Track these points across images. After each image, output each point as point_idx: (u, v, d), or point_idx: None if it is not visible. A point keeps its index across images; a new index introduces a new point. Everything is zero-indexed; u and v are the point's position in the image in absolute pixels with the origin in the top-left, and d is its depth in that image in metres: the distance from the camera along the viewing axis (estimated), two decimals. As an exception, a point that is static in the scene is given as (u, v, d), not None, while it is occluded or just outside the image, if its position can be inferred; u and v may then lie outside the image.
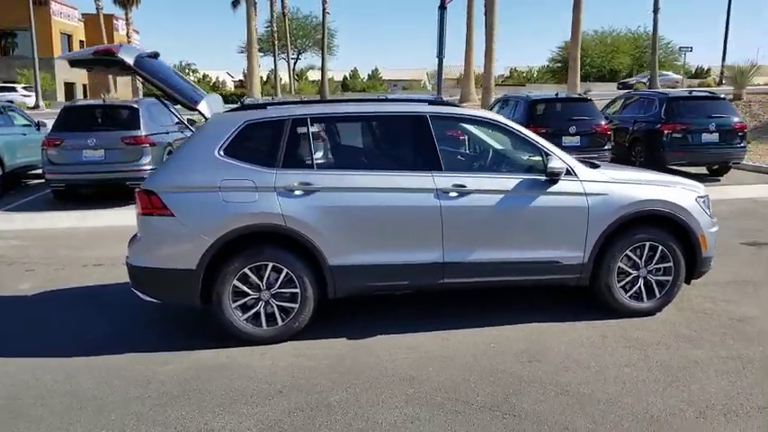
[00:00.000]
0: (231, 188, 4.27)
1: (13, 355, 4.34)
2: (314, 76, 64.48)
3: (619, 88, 36.64)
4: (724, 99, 12.09)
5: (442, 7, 16.99)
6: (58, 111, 10.74)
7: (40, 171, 11.32)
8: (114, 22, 47.09)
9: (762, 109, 18.12)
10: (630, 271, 4.72)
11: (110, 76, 35.43)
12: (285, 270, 4.33)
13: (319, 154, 4.66)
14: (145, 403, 3.61)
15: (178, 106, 5.04)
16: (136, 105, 10.37)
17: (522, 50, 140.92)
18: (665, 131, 11.22)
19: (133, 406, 3.58)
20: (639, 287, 4.75)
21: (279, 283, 4.34)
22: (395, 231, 4.41)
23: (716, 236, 4.91)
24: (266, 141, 4.47)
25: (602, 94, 26.42)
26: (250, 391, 3.72)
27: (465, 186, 4.45)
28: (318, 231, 4.28)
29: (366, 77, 70.78)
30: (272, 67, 49.03)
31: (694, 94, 12.57)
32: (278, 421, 3.38)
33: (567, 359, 4.07)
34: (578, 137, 11.00)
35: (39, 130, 12.46)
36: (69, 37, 45.69)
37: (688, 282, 4.88)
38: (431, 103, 4.87)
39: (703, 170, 11.90)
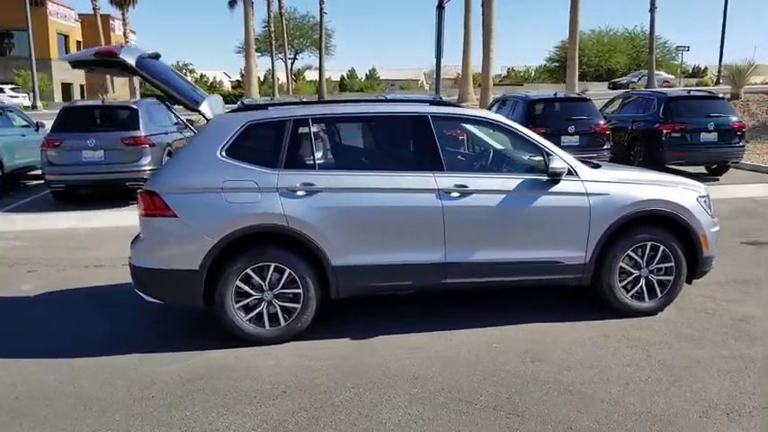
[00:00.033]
0: (233, 189, 4.27)
1: (17, 355, 4.34)
2: (311, 76, 64.50)
3: (610, 88, 36.58)
4: (723, 98, 12.13)
5: (440, 7, 17.00)
6: (56, 111, 10.73)
7: (38, 172, 11.32)
8: (111, 22, 46.96)
9: (760, 108, 18.15)
10: (632, 271, 4.74)
11: (107, 77, 35.31)
12: (288, 270, 4.33)
13: (321, 154, 4.66)
14: (149, 404, 3.61)
15: (179, 107, 5.03)
16: (135, 106, 10.37)
17: (520, 50, 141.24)
18: (664, 131, 11.24)
19: (137, 406, 3.58)
20: (641, 287, 4.76)
21: (281, 283, 4.35)
22: (397, 232, 4.41)
23: (717, 235, 4.92)
24: (268, 142, 4.47)
25: (600, 93, 26.47)
26: (254, 392, 3.72)
27: (467, 186, 4.45)
28: (321, 232, 4.29)
29: (363, 77, 70.80)
30: (270, 67, 49.05)
31: (693, 93, 12.58)
32: (282, 421, 3.39)
33: (570, 359, 4.09)
34: (577, 136, 11.02)
35: (37, 130, 12.45)
36: (66, 37, 45.61)
37: (689, 281, 4.90)
38: (432, 103, 4.89)
39: (702, 169, 11.92)
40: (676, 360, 4.04)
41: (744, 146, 11.73)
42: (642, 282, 4.76)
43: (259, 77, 43.38)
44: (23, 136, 12.02)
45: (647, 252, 4.72)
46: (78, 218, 9.11)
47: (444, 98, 7.32)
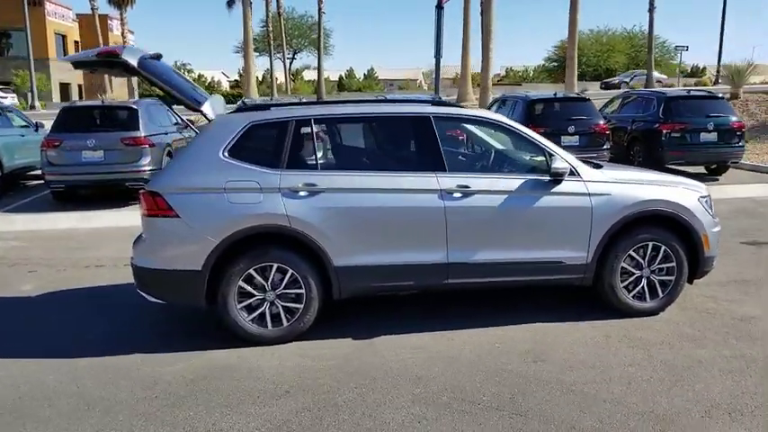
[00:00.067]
0: (236, 189, 4.27)
1: (18, 356, 4.34)
2: (309, 75, 64.49)
3: (602, 88, 36.53)
4: (722, 98, 12.14)
5: (440, 7, 17.03)
6: (54, 111, 10.73)
7: (38, 172, 11.32)
8: (109, 22, 46.93)
9: (759, 108, 18.20)
10: (633, 271, 4.75)
11: (106, 77, 35.27)
12: (290, 271, 4.33)
13: (324, 155, 4.67)
14: (152, 404, 3.61)
15: (180, 107, 5.03)
16: (135, 106, 10.37)
17: (518, 49, 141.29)
18: (664, 131, 11.26)
19: (141, 406, 3.58)
20: (642, 287, 4.77)
21: (284, 283, 4.35)
22: (399, 232, 4.42)
23: (718, 235, 4.93)
24: (271, 142, 4.47)
25: (598, 93, 26.49)
26: (257, 392, 3.72)
27: (469, 187, 4.46)
28: (323, 232, 4.29)
29: (362, 77, 70.82)
30: (268, 66, 49.00)
31: (693, 93, 12.60)
32: (286, 421, 3.39)
33: (572, 359, 4.09)
34: (577, 136, 11.03)
35: (37, 130, 12.44)
36: (64, 37, 45.55)
37: (690, 281, 4.91)
38: (434, 103, 4.89)
39: (701, 169, 11.94)
40: (678, 360, 4.05)
41: (743, 146, 11.75)
42: (644, 282, 4.77)
43: (257, 77, 43.37)
44: (23, 136, 12.02)
45: (648, 252, 4.73)
46: (78, 218, 9.11)
47: (444, 98, 7.34)
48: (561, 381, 3.79)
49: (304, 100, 7.50)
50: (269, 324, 4.37)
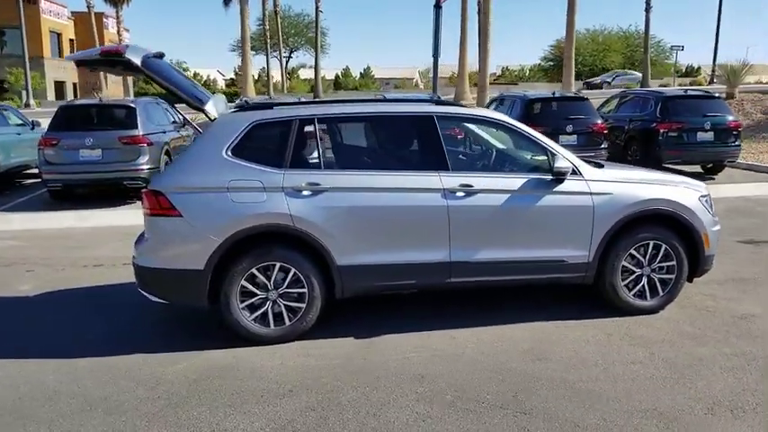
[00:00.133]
0: (239, 188, 4.27)
1: (17, 356, 4.32)
2: (305, 74, 64.34)
3: (584, 88, 36.51)
4: (719, 98, 12.17)
5: (438, 6, 17.02)
6: (48, 109, 10.68)
7: (34, 171, 11.26)
8: (104, 20, 46.72)
9: (754, 108, 18.28)
10: (634, 269, 4.76)
11: (101, 75, 35.13)
12: (293, 270, 4.33)
13: (327, 154, 4.66)
14: (155, 404, 3.60)
15: (181, 105, 5.03)
16: (133, 105, 10.33)
17: (514, 48, 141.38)
18: (661, 130, 11.29)
19: (144, 407, 3.57)
20: (643, 285, 4.79)
21: (286, 282, 4.35)
22: (402, 231, 4.42)
23: (718, 234, 4.96)
24: (274, 141, 4.47)
25: (594, 92, 26.55)
26: (260, 391, 3.72)
27: (472, 186, 4.47)
28: (326, 231, 4.29)
29: (358, 76, 70.74)
30: (264, 65, 48.99)
31: (690, 93, 12.64)
32: (290, 421, 3.39)
33: (574, 357, 4.11)
34: (575, 136, 11.04)
35: (33, 129, 12.39)
36: (59, 35, 45.30)
37: (690, 280, 4.94)
38: (437, 102, 4.90)
39: (698, 169, 11.99)
40: (679, 358, 4.07)
41: (740, 145, 11.79)
42: (644, 280, 4.79)
43: (253, 75, 43.27)
44: (19, 135, 11.95)
45: (649, 251, 4.75)
46: (75, 217, 9.06)
47: (442, 97, 7.34)
48: (564, 379, 3.80)
49: (303, 99, 7.47)
50: (271, 323, 4.36)
